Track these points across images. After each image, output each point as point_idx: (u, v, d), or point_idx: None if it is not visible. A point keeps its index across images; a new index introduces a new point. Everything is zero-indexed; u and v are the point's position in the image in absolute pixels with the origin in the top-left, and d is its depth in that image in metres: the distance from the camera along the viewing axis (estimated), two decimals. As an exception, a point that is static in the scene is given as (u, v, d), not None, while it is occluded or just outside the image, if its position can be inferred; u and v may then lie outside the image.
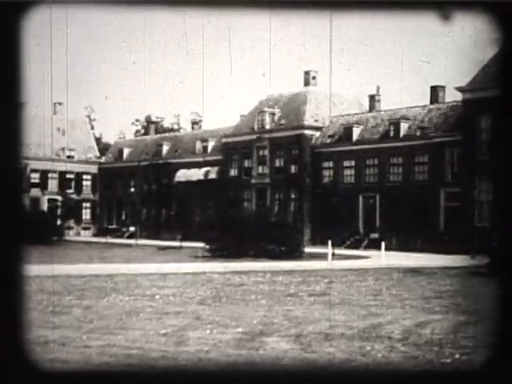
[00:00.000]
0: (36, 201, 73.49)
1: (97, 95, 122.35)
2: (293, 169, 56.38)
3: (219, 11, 7.27)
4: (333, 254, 35.13)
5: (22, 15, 6.76)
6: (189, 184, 65.62)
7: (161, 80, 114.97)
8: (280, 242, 36.35)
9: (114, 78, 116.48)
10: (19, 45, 6.75)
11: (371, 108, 56.98)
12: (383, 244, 36.47)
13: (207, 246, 37.25)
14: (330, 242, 35.02)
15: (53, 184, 75.77)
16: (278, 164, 57.66)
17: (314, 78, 59.52)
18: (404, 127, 50.33)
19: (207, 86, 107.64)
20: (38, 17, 6.90)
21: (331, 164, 54.32)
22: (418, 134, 49.09)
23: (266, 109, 59.83)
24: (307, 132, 56.01)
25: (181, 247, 46.56)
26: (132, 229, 69.52)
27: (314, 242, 51.90)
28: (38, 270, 24.99)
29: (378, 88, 57.62)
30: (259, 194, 58.81)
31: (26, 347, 7.14)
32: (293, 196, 56.40)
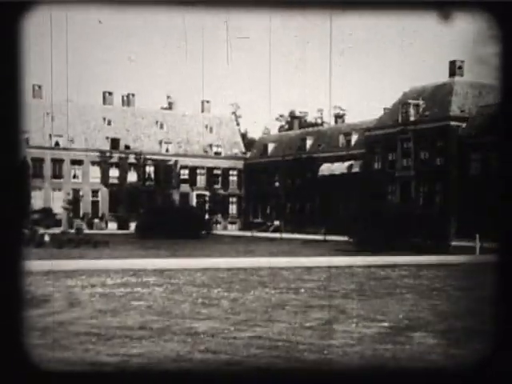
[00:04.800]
0: (186, 196, 76.07)
1: (240, 92, 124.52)
2: (438, 161, 55.20)
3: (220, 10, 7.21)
4: (481, 248, 34.17)
5: (22, 15, 6.77)
6: (332, 178, 65.71)
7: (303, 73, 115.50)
8: (425, 236, 35.73)
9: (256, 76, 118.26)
10: (19, 45, 6.77)
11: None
12: (535, 237, 34.99)
13: (351, 240, 37.19)
14: (477, 235, 34.08)
15: (201, 180, 78.04)
16: (422, 156, 56.63)
17: (459, 67, 57.92)
18: (557, 115, 48.09)
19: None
20: (38, 17, 7.01)
21: (478, 155, 52.73)
22: None
23: (410, 100, 58.89)
24: (453, 123, 54.67)
25: (325, 240, 46.75)
26: (277, 223, 70.41)
27: (460, 236, 50.59)
28: (189, 263, 25.95)
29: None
30: (403, 186, 58.00)
31: (26, 347, 7.18)
32: (438, 189, 55.23)
